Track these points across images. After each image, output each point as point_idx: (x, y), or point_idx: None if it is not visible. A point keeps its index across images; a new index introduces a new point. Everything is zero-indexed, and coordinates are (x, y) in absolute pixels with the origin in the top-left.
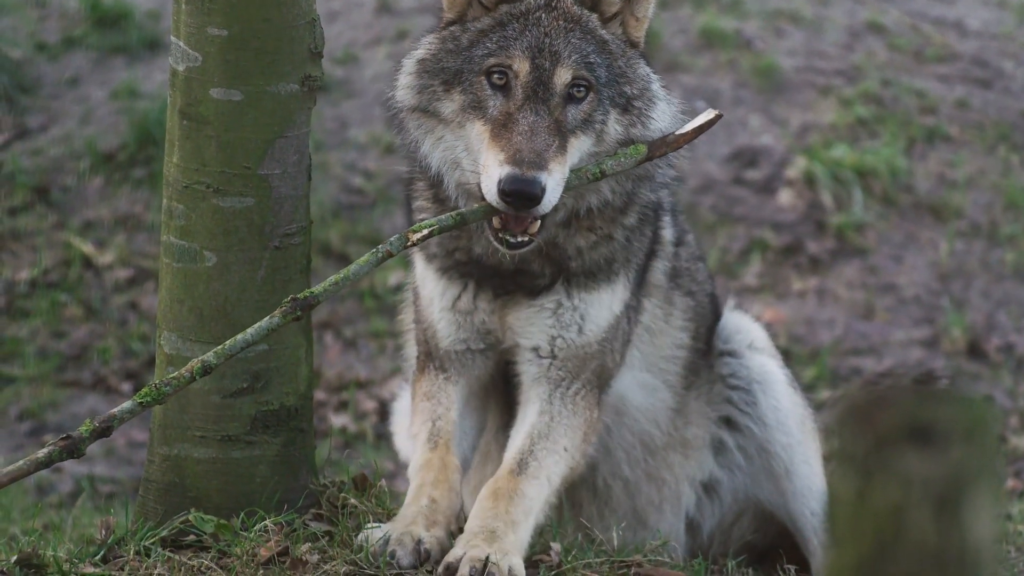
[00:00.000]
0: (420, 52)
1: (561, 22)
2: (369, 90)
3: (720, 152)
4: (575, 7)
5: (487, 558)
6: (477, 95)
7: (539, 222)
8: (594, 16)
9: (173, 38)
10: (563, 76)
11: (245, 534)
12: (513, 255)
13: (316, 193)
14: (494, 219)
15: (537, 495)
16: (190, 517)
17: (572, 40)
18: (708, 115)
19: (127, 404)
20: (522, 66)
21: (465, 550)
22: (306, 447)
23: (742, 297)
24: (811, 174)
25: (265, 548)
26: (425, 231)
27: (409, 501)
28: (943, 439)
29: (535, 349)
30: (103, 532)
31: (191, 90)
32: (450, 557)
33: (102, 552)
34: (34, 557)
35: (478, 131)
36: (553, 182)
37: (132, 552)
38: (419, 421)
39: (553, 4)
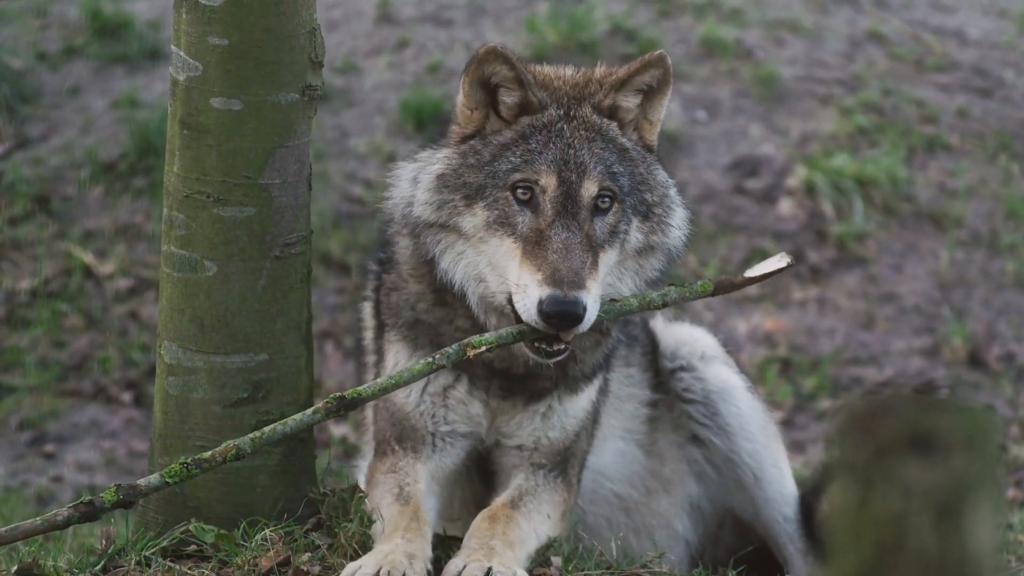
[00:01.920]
0: (438, 167)
1: (583, 132)
2: (370, 99)
3: (721, 161)
4: (595, 116)
5: (490, 569)
6: (503, 211)
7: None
8: (613, 124)
9: (174, 48)
10: (590, 188)
11: (246, 544)
12: (549, 363)
13: (316, 203)
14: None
15: (528, 532)
16: (190, 527)
17: (596, 150)
18: (780, 261)
19: (154, 479)
20: (549, 181)
21: (466, 562)
22: (307, 457)
23: (742, 306)
24: (811, 183)
25: (266, 558)
26: (484, 347)
27: (382, 541)
28: (944, 448)
29: (518, 447)
30: (103, 542)
31: (191, 100)
32: (451, 568)
33: (102, 562)
34: (34, 567)
35: (507, 248)
36: (592, 299)
37: (132, 562)
38: (381, 491)
39: (573, 114)
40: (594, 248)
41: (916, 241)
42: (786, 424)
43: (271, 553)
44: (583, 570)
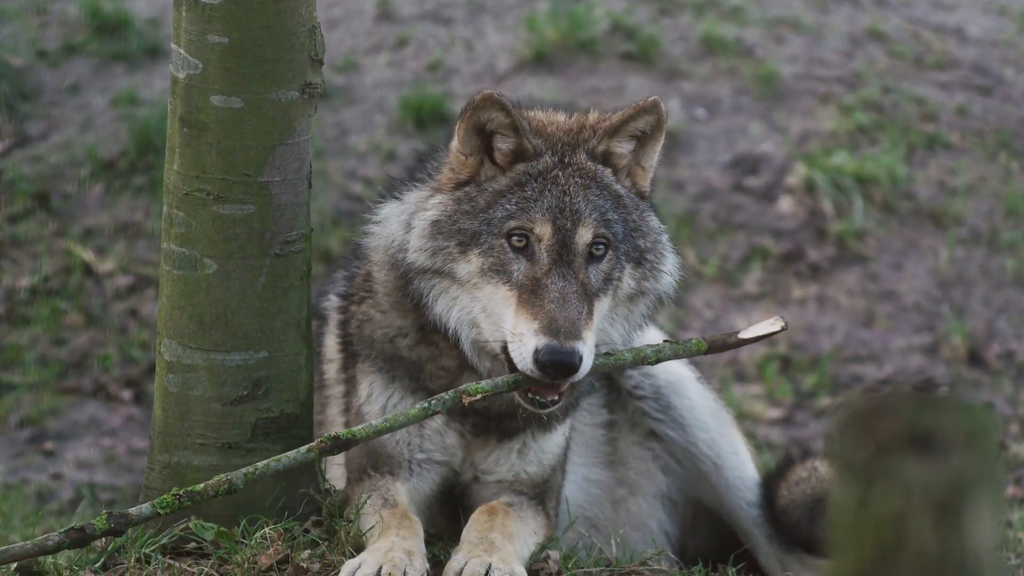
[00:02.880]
0: (433, 213)
1: (578, 179)
2: (369, 97)
3: (720, 159)
4: (589, 163)
5: (490, 566)
6: (498, 258)
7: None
8: (607, 171)
9: (173, 45)
10: (584, 235)
11: (245, 541)
12: (542, 413)
13: (316, 200)
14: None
15: (527, 531)
16: (190, 524)
17: (591, 197)
18: (774, 325)
19: (145, 508)
20: (544, 229)
21: (467, 559)
22: None
23: (742, 304)
24: (811, 181)
25: (265, 555)
26: (479, 394)
27: (377, 539)
28: (943, 446)
29: (498, 481)
30: (103, 539)
31: (191, 97)
32: (453, 565)
33: (102, 559)
34: (34, 564)
35: (502, 295)
36: (588, 350)
37: (132, 559)
38: (366, 507)
39: (568, 161)
40: (589, 297)
41: (916, 239)
42: (786, 422)
43: (271, 551)
44: (583, 567)
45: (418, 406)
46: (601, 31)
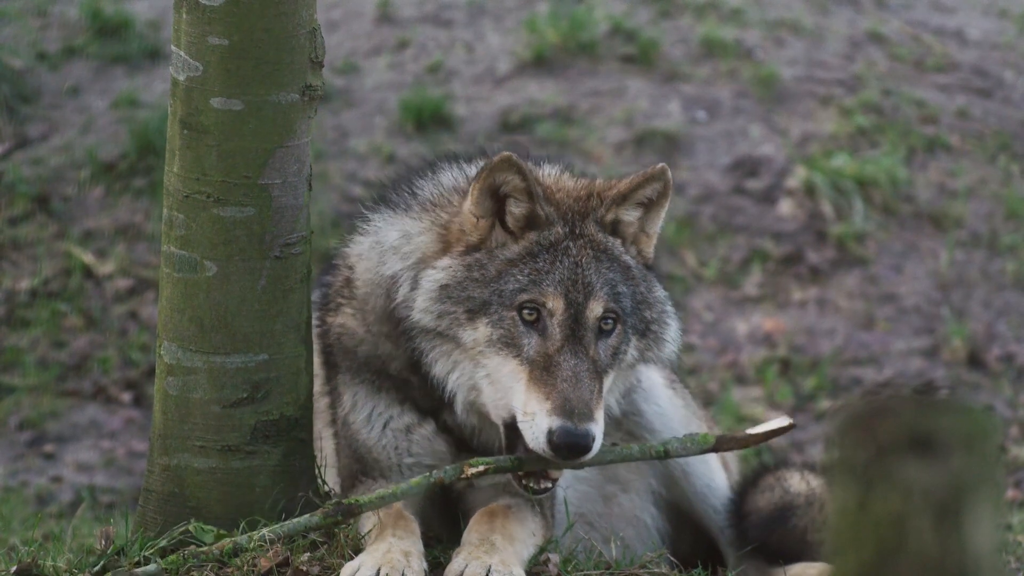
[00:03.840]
0: (442, 277)
1: (589, 251)
2: (369, 100)
3: (720, 162)
4: (600, 234)
5: (489, 568)
6: (508, 331)
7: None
8: (617, 241)
9: (174, 48)
10: (595, 309)
11: (245, 544)
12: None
13: (316, 203)
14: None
15: (527, 532)
16: (190, 527)
17: (602, 270)
18: (781, 422)
19: (151, 568)
20: (556, 304)
21: (467, 561)
22: (306, 457)
23: (742, 306)
24: (811, 184)
25: (265, 558)
26: (481, 467)
27: (374, 540)
28: (943, 449)
29: (492, 484)
30: (103, 542)
31: (192, 100)
32: (454, 567)
33: (102, 562)
34: (34, 567)
35: (511, 369)
36: (599, 429)
37: (131, 562)
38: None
39: (579, 232)
40: (599, 374)
41: (916, 241)
42: None
43: (270, 553)
44: (582, 570)
45: (420, 476)
46: (601, 33)
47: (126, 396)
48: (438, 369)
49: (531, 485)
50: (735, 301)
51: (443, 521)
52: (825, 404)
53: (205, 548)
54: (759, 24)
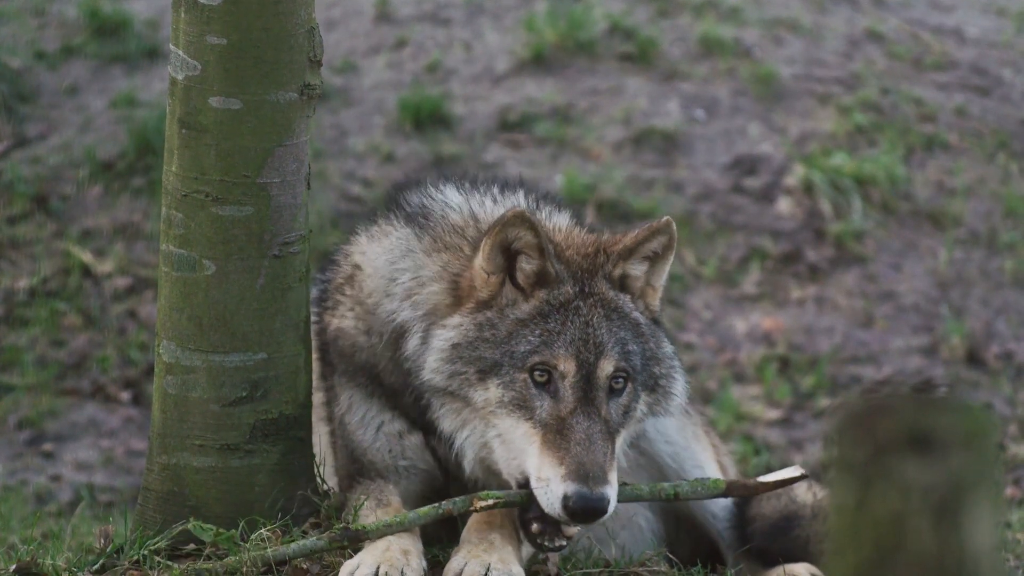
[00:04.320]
0: (453, 336)
1: (600, 310)
2: (368, 99)
3: (719, 160)
4: (610, 291)
5: (489, 567)
6: (520, 393)
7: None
8: (627, 298)
9: (172, 47)
10: (606, 368)
11: (244, 543)
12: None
13: (315, 202)
14: (534, 524)
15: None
16: (189, 526)
17: (613, 329)
18: (793, 472)
19: None
20: (568, 366)
21: (466, 559)
22: (305, 456)
23: (741, 305)
24: (810, 182)
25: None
26: (491, 501)
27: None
28: (942, 447)
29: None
30: (102, 541)
31: (190, 99)
32: (453, 566)
33: (101, 561)
34: (33, 566)
35: (524, 431)
36: (614, 492)
37: (130, 561)
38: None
39: (589, 290)
40: (611, 435)
41: (915, 240)
42: (785, 423)
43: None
44: (581, 568)
45: (428, 507)
46: (600, 32)
47: (125, 395)
48: (446, 425)
49: (546, 543)
50: (734, 299)
51: (445, 522)
52: (824, 402)
53: (210, 566)
54: (757, 23)
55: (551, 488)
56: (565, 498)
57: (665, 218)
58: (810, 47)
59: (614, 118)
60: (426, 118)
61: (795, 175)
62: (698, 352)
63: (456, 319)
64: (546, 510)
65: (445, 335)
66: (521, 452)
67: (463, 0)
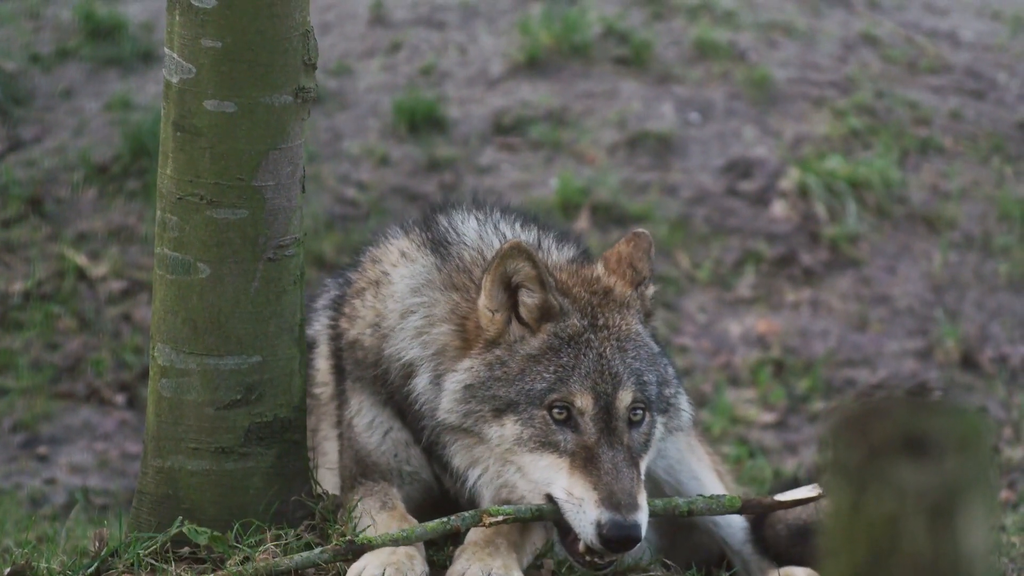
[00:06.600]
0: (465, 378)
1: (614, 342)
2: (363, 102)
3: (714, 163)
4: (615, 314)
5: (490, 573)
6: (541, 430)
7: None
8: (633, 318)
9: (167, 50)
10: (625, 399)
11: (239, 546)
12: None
13: (310, 205)
14: (580, 544)
15: (524, 540)
16: (184, 529)
17: (627, 360)
18: (809, 491)
19: None
20: (586, 401)
21: (469, 563)
22: (300, 459)
23: (736, 308)
24: (804, 185)
25: (259, 558)
26: (500, 516)
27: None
28: (937, 450)
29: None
30: (96, 544)
31: (185, 102)
32: (456, 569)
33: (95, 564)
34: (27, 569)
35: (549, 462)
36: (645, 517)
37: (125, 564)
38: (366, 505)
39: (599, 322)
40: (636, 461)
41: (909, 243)
42: (779, 426)
43: (265, 555)
44: (577, 571)
45: (436, 521)
46: (594, 35)
47: (120, 398)
48: (457, 461)
49: (596, 560)
50: (728, 302)
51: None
52: (818, 405)
53: None
54: (752, 26)
55: (584, 510)
56: (599, 525)
57: (640, 229)
58: (804, 50)
59: (608, 121)
60: (421, 121)
61: (790, 178)
62: (693, 355)
63: (467, 362)
64: (579, 534)
65: (457, 378)
66: (546, 479)
67: (458, 3)
